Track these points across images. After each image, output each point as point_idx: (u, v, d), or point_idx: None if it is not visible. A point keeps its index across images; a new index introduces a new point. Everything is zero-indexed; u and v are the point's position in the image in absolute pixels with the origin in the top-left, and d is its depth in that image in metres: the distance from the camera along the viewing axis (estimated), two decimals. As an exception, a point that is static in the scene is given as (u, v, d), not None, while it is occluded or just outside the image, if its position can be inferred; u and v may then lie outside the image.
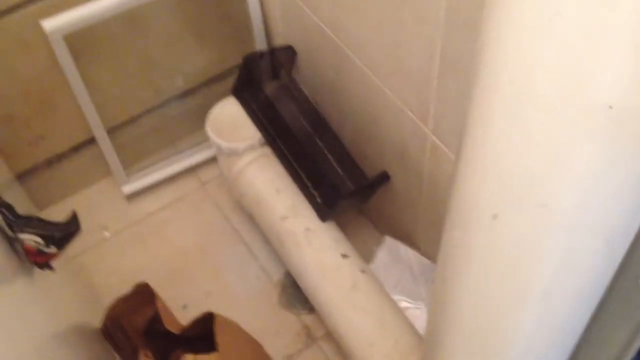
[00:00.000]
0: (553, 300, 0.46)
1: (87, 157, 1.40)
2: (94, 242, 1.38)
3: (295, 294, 1.30)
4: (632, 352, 0.37)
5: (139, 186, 1.43)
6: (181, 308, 1.26)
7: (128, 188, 1.42)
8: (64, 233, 0.69)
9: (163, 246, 1.38)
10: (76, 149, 1.38)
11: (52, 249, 0.69)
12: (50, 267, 0.74)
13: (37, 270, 0.74)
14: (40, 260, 0.70)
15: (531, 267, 0.46)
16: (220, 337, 0.92)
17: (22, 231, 0.66)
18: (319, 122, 1.29)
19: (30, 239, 0.66)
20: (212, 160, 1.47)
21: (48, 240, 0.67)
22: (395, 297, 1.17)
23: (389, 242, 1.26)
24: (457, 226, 0.52)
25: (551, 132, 0.39)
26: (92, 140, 1.36)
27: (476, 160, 0.46)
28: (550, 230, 0.44)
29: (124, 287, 1.09)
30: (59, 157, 1.37)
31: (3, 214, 0.64)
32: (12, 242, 0.69)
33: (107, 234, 1.39)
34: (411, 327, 1.09)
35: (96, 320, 0.99)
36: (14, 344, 0.55)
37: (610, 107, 0.36)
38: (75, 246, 1.17)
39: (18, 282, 0.66)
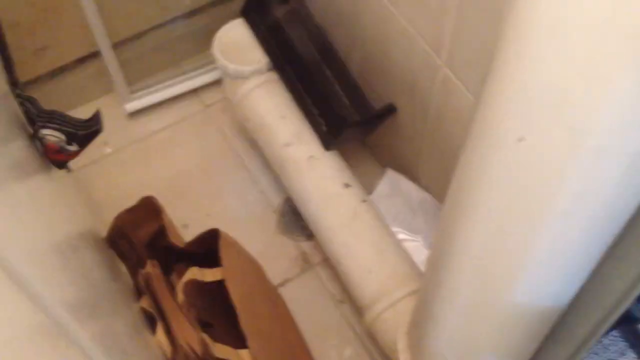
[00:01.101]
0: (569, 226, 0.47)
1: (91, 72, 1.38)
2: (95, 158, 1.38)
3: (294, 220, 1.32)
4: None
5: (142, 105, 1.42)
6: (181, 227, 1.27)
7: (131, 106, 1.41)
8: (86, 131, 0.69)
9: (164, 166, 1.39)
10: (80, 62, 1.36)
11: (73, 147, 0.69)
12: (67, 168, 0.74)
13: (53, 170, 0.73)
14: (60, 159, 0.70)
15: (552, 192, 0.47)
16: (224, 253, 0.94)
17: (45, 126, 0.65)
18: (327, 50, 1.28)
19: (52, 134, 0.66)
20: (216, 83, 1.46)
21: (70, 137, 0.67)
22: (394, 228, 1.19)
23: (391, 174, 1.27)
24: (478, 148, 0.53)
25: (592, 53, 0.39)
26: (96, 55, 1.34)
27: (507, 79, 0.46)
28: (577, 154, 0.44)
29: (125, 203, 1.10)
30: (62, 70, 1.35)
31: (26, 107, 0.64)
32: (33, 139, 0.69)
33: (108, 150, 1.39)
34: (408, 257, 1.11)
35: (101, 230, 1.00)
36: (33, 239, 0.56)
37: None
38: (77, 160, 1.17)
39: (37, 180, 0.66)
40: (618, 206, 0.44)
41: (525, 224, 0.52)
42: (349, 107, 1.23)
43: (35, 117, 0.65)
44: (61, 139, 0.67)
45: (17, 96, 0.64)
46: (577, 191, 0.46)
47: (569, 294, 0.52)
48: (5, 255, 0.44)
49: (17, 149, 0.63)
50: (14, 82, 0.64)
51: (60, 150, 0.69)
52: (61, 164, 0.73)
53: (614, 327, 0.58)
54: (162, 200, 1.14)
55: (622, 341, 0.58)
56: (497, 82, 0.48)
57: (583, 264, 0.49)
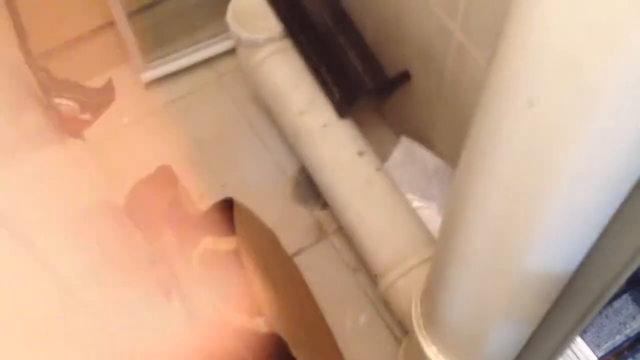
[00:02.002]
0: (583, 188, 0.47)
1: (106, 41, 1.38)
2: (112, 128, 1.39)
3: (308, 189, 1.33)
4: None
5: (157, 74, 1.42)
6: (198, 197, 1.28)
7: (146, 75, 1.41)
8: (99, 99, 0.69)
9: (179, 135, 1.39)
10: (95, 32, 1.36)
11: (87, 116, 0.70)
12: (82, 137, 0.74)
13: (69, 140, 0.74)
14: (74, 128, 0.71)
15: (565, 154, 0.47)
16: (239, 222, 0.95)
17: (59, 95, 0.66)
18: (341, 17, 1.27)
19: (66, 104, 0.66)
20: (230, 52, 1.45)
21: (84, 106, 0.67)
22: (409, 196, 1.19)
23: (405, 142, 1.27)
24: (491, 112, 0.52)
25: (603, 10, 0.38)
26: (111, 25, 1.34)
27: (518, 40, 0.46)
28: (589, 114, 0.44)
29: (141, 173, 1.11)
30: (78, 40, 1.36)
31: (40, 77, 0.64)
32: (47, 108, 0.69)
33: (125, 120, 1.40)
34: (422, 224, 1.12)
35: (118, 199, 1.01)
36: (49, 210, 0.57)
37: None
38: (94, 130, 1.18)
39: (52, 149, 0.67)
40: (630, 166, 0.44)
41: (539, 186, 0.51)
42: (362, 74, 1.22)
43: (49, 87, 0.66)
44: (75, 108, 0.67)
45: (31, 67, 0.65)
46: (590, 153, 0.46)
47: (580, 256, 0.52)
48: (20, 224, 0.45)
49: (33, 119, 0.64)
50: (27, 53, 0.65)
51: (74, 119, 0.69)
52: (76, 133, 0.73)
53: (624, 290, 0.58)
54: (178, 170, 1.15)
55: (633, 304, 0.58)
56: (508, 43, 0.48)
57: (595, 225, 0.49)
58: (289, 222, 1.30)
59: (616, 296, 0.58)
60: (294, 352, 0.87)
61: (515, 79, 0.47)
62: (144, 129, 1.40)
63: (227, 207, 0.99)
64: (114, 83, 1.43)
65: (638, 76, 0.40)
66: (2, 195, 0.42)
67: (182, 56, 1.43)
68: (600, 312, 0.58)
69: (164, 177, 1.02)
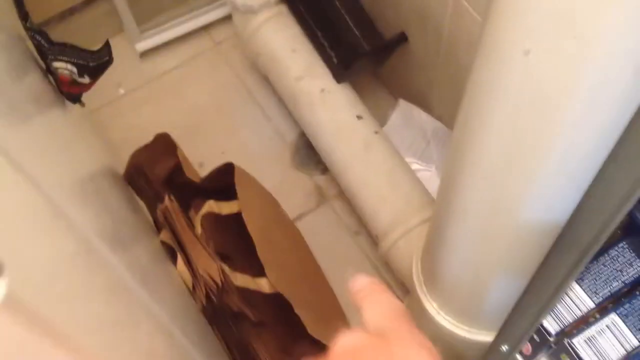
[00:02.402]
0: (578, 136, 0.47)
1: (100, 12, 1.38)
2: (109, 99, 1.39)
3: (308, 154, 1.33)
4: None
5: (152, 44, 1.42)
6: (197, 166, 1.29)
7: (141, 45, 1.41)
8: (97, 62, 0.69)
9: (177, 104, 1.40)
10: (89, 2, 1.36)
11: (85, 79, 0.70)
12: (81, 102, 0.75)
13: (68, 106, 0.75)
14: (73, 91, 0.71)
15: (562, 100, 0.47)
16: (240, 187, 0.95)
17: (56, 59, 0.66)
18: (336, -20, 1.26)
19: (64, 67, 0.67)
20: (226, 19, 1.45)
21: (82, 69, 0.68)
22: (407, 159, 1.20)
23: (403, 105, 1.27)
24: (485, 65, 0.53)
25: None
26: (105, -6, 1.33)
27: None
28: (583, 62, 0.44)
29: (140, 143, 1.12)
30: (72, 11, 1.35)
31: (37, 41, 0.64)
32: (46, 73, 0.69)
33: (122, 90, 1.40)
34: (422, 186, 1.12)
35: (118, 168, 1.02)
36: (61, 170, 0.57)
37: None
38: (91, 101, 1.18)
39: (54, 113, 0.67)
40: (624, 112, 0.45)
41: (536, 137, 0.52)
42: (359, 37, 1.22)
43: (47, 51, 0.66)
44: (73, 71, 0.68)
45: (28, 30, 0.65)
46: (586, 101, 0.46)
47: (574, 204, 0.53)
48: (41, 182, 0.45)
49: (33, 83, 0.64)
50: (24, 17, 0.65)
51: (73, 83, 0.69)
52: (75, 98, 0.74)
53: (621, 238, 0.59)
54: (177, 139, 1.15)
55: (630, 252, 0.59)
56: (502, -6, 0.48)
57: (590, 171, 0.49)
58: (290, 188, 1.31)
59: (613, 244, 0.59)
60: (298, 311, 0.89)
61: (509, 28, 0.48)
62: (141, 99, 1.40)
63: (228, 172, 1.00)
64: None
65: (630, 23, 0.40)
66: (19, 154, 0.43)
67: (177, 24, 1.42)
68: (597, 260, 0.59)
69: (163, 144, 1.03)
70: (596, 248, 0.48)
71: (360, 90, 1.22)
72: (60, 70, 0.67)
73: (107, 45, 0.71)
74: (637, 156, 0.43)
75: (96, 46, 1.43)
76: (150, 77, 1.42)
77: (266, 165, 1.33)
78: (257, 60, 1.31)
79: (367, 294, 0.40)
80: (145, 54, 1.43)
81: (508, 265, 0.68)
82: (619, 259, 0.59)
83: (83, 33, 1.40)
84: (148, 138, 1.14)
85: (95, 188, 0.68)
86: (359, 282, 0.41)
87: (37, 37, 0.64)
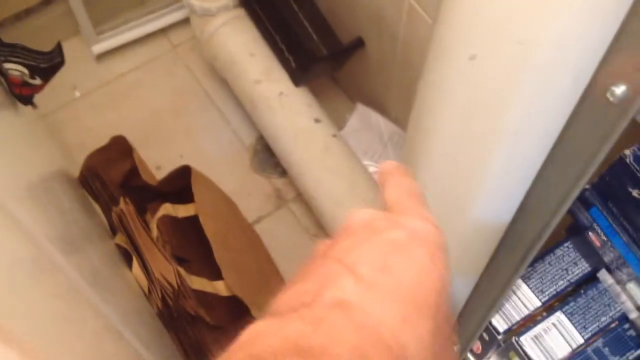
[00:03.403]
0: (523, 135, 0.49)
1: (56, 13, 1.36)
2: (64, 101, 1.37)
3: (266, 158, 1.33)
4: (593, 167, 0.41)
5: (109, 46, 1.40)
6: (155, 169, 1.28)
7: (98, 47, 1.39)
8: (49, 63, 0.69)
9: (135, 107, 1.38)
10: (45, 3, 1.34)
11: (37, 81, 0.69)
12: (33, 104, 0.74)
13: (20, 108, 0.73)
14: (24, 93, 0.70)
15: (506, 105, 0.49)
16: (197, 189, 0.95)
17: (7, 60, 0.65)
18: (295, -15, 1.27)
19: (15, 68, 0.66)
20: (184, 21, 1.44)
21: (33, 70, 0.67)
22: (365, 162, 1.21)
23: (361, 108, 1.28)
24: (435, 69, 0.54)
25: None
26: (60, -5, 1.32)
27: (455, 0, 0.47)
28: (527, 68, 0.46)
29: (96, 146, 1.11)
30: (28, 12, 1.33)
31: (-13, 42, 0.63)
32: (-4, 76, 0.68)
33: (77, 93, 1.38)
34: (379, 189, 1.14)
35: (73, 172, 1.00)
36: (8, 174, 0.56)
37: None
38: (46, 104, 1.16)
39: (5, 116, 0.66)
40: (562, 117, 0.46)
41: (481, 139, 0.53)
42: (317, 42, 1.23)
43: (-3, 52, 0.65)
44: (24, 72, 0.67)
45: (-23, 32, 0.64)
46: (527, 106, 0.48)
47: (517, 204, 0.54)
48: None
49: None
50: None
51: (24, 84, 0.68)
52: (26, 100, 0.73)
53: (566, 238, 0.61)
54: (134, 142, 1.15)
55: (575, 251, 0.61)
56: (448, 1, 0.49)
57: (531, 172, 0.51)
58: (249, 191, 1.31)
59: (558, 244, 0.61)
60: (255, 314, 0.89)
61: (456, 33, 0.49)
62: (97, 102, 1.38)
63: (185, 174, 0.99)
64: (65, 56, 1.42)
65: (568, 27, 0.42)
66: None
67: (134, 27, 1.41)
68: (542, 259, 0.61)
69: (119, 146, 1.02)
70: (538, 246, 0.50)
71: (318, 94, 1.23)
72: (11, 72, 0.66)
73: (58, 46, 0.70)
74: (573, 159, 0.44)
75: (51, 48, 1.42)
76: (107, 80, 1.41)
77: (225, 169, 1.32)
78: (215, 63, 1.31)
79: (390, 175, 0.44)
80: (101, 56, 1.42)
81: (456, 264, 0.70)
82: (564, 259, 0.61)
83: (39, 34, 1.38)
84: (104, 141, 1.13)
85: (47, 191, 0.67)
86: (387, 165, 0.46)
87: (-13, 37, 0.63)
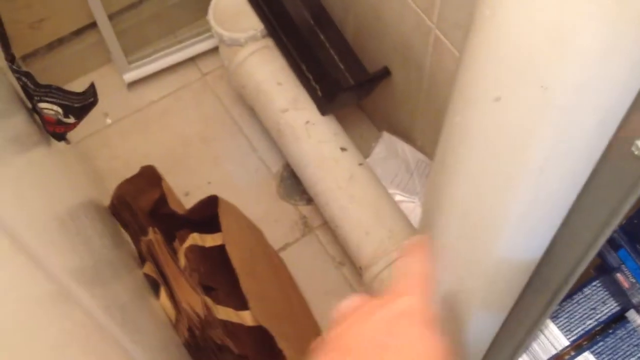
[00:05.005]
0: (548, 176, 0.49)
1: (89, 43, 1.39)
2: (96, 128, 1.40)
3: (293, 185, 1.34)
4: (619, 219, 0.41)
5: (140, 74, 1.43)
6: (183, 195, 1.30)
7: (129, 76, 1.42)
8: (82, 103, 0.71)
9: (164, 135, 1.41)
10: (77, 33, 1.37)
11: (71, 119, 0.71)
12: (66, 140, 0.76)
13: (54, 142, 0.76)
14: (58, 131, 0.72)
15: (529, 147, 0.49)
16: (224, 219, 0.96)
17: (42, 100, 0.67)
18: (321, 15, 1.29)
19: (49, 108, 0.68)
20: (213, 50, 1.46)
21: (67, 110, 0.69)
22: (391, 190, 1.21)
23: (387, 137, 1.29)
24: (460, 109, 0.54)
25: (554, 13, 0.41)
26: (93, 25, 1.35)
27: (481, 42, 0.48)
28: (550, 110, 0.46)
29: (127, 173, 1.13)
30: (60, 42, 1.36)
31: (23, 82, 0.65)
32: (31, 113, 0.71)
33: (108, 120, 1.41)
34: (405, 218, 1.14)
35: (104, 200, 1.02)
36: (36, 210, 0.58)
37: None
38: (78, 132, 1.18)
39: (38, 151, 0.68)
40: (589, 160, 0.46)
41: (505, 180, 0.53)
42: (343, 71, 1.24)
43: (32, 92, 0.67)
44: (58, 112, 0.69)
45: (15, 72, 0.66)
46: (552, 145, 0.48)
47: (546, 242, 0.54)
48: (11, 224, 0.46)
49: (17, 122, 0.65)
50: (11, 59, 0.66)
51: (58, 123, 0.70)
52: (60, 136, 0.75)
53: (594, 277, 0.61)
54: (163, 169, 1.16)
55: (603, 290, 0.60)
56: (474, 43, 0.50)
57: (558, 214, 0.51)
58: (275, 218, 1.31)
59: (586, 282, 0.60)
60: (280, 344, 0.89)
61: (480, 76, 0.49)
62: (127, 129, 1.41)
63: (212, 204, 1.01)
64: (96, 84, 1.45)
65: (589, 72, 0.42)
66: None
67: (164, 56, 1.44)
68: (571, 298, 0.60)
69: (148, 176, 1.04)
70: (565, 291, 0.49)
71: (344, 123, 1.24)
72: (45, 111, 0.68)
73: (92, 86, 0.72)
74: (599, 208, 0.44)
75: (84, 76, 1.45)
76: (138, 107, 1.44)
77: (252, 195, 1.34)
78: (243, 92, 1.33)
79: (408, 252, 0.47)
80: (132, 85, 1.44)
81: (485, 300, 0.69)
82: (592, 297, 0.60)
83: (71, 63, 1.42)
84: (134, 168, 1.15)
85: (76, 224, 0.68)
86: (410, 241, 0.50)
87: (23, 78, 0.65)
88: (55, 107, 0.68)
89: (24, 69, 1.29)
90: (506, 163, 0.52)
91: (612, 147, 0.41)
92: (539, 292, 0.54)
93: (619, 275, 0.54)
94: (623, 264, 0.53)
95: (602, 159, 0.42)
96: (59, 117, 0.69)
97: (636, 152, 0.38)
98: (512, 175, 0.52)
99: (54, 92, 0.67)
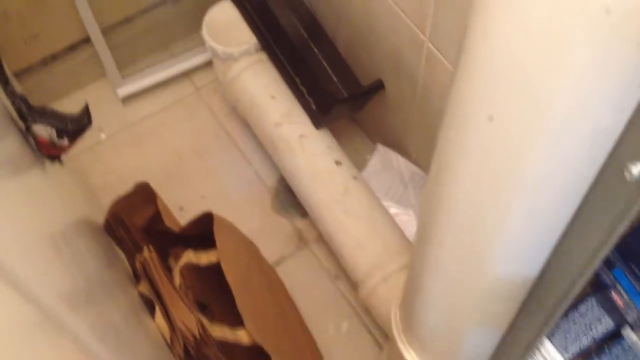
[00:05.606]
0: (542, 194, 0.49)
1: (82, 58, 1.39)
2: (90, 144, 1.39)
3: (288, 198, 1.34)
4: (612, 242, 0.41)
5: (134, 89, 1.43)
6: (177, 210, 1.29)
7: (123, 90, 1.42)
8: (76, 125, 0.70)
9: (158, 149, 1.40)
10: (71, 49, 1.37)
11: (64, 141, 0.71)
12: (60, 160, 0.76)
13: (47, 163, 0.75)
14: (52, 153, 0.72)
15: (523, 166, 0.49)
16: (219, 236, 0.96)
17: (36, 122, 0.67)
18: (314, 28, 1.29)
19: (43, 130, 0.68)
20: (207, 64, 1.47)
21: (61, 132, 0.69)
22: (386, 203, 1.21)
23: (381, 149, 1.29)
24: (454, 127, 0.54)
25: (547, 34, 0.41)
26: (87, 40, 1.35)
27: (474, 61, 0.48)
28: (543, 130, 0.46)
29: (121, 188, 1.12)
30: (54, 57, 1.36)
31: (17, 105, 0.65)
32: (25, 135, 0.70)
33: (103, 135, 1.41)
34: (400, 231, 1.13)
35: (98, 217, 1.02)
36: (31, 231, 0.58)
37: (607, 10, 0.37)
38: (72, 148, 1.17)
39: (32, 173, 0.68)
40: (583, 179, 0.46)
41: (500, 196, 0.53)
42: (337, 84, 1.24)
43: (27, 114, 0.67)
44: (52, 134, 0.69)
45: (9, 95, 0.66)
46: (545, 163, 0.48)
47: (541, 262, 0.54)
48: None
49: (10, 144, 0.65)
50: (4, 81, 0.66)
51: (52, 145, 0.70)
52: (54, 158, 0.75)
53: (589, 295, 0.61)
54: (157, 183, 1.16)
55: (599, 308, 0.60)
56: (467, 62, 0.50)
57: (554, 231, 0.51)
58: (270, 232, 1.31)
59: (582, 300, 0.60)
60: (276, 362, 0.89)
61: (474, 96, 0.49)
62: (121, 144, 1.41)
63: (207, 221, 1.00)
64: (90, 98, 1.45)
65: (582, 92, 0.42)
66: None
67: (158, 70, 1.44)
68: (566, 316, 0.60)
69: (143, 193, 1.03)
70: (562, 310, 0.49)
71: (338, 135, 1.24)
72: (39, 133, 0.68)
73: (86, 108, 0.72)
74: (592, 230, 0.44)
75: (78, 90, 1.45)
76: (132, 122, 1.43)
77: (246, 209, 1.33)
78: (237, 105, 1.33)
79: None
80: (127, 99, 1.44)
81: (481, 317, 0.69)
82: (588, 315, 0.60)
83: (65, 78, 1.42)
84: (129, 182, 1.14)
85: (69, 245, 0.68)
86: None
87: (18, 101, 0.65)
88: (49, 129, 0.67)
89: (18, 84, 1.30)
90: (500, 181, 0.52)
91: (605, 170, 0.41)
92: (535, 313, 0.54)
93: (613, 294, 0.54)
94: (617, 282, 0.53)
95: (595, 183, 0.41)
96: (53, 139, 0.69)
97: (628, 177, 0.38)
98: (506, 194, 0.52)
99: (48, 115, 0.67)
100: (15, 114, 0.68)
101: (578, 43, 0.38)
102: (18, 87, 1.27)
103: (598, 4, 0.36)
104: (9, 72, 0.69)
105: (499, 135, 0.50)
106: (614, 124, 0.44)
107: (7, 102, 0.67)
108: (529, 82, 0.44)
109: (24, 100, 0.65)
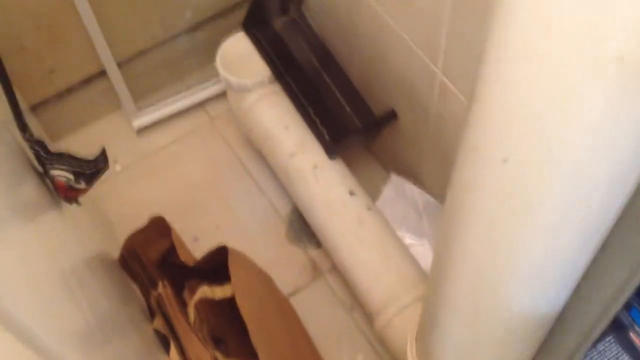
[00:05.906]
0: (555, 240, 0.48)
1: (98, 91, 1.41)
2: (105, 175, 1.39)
3: (302, 228, 1.34)
4: (629, 292, 0.40)
5: (149, 120, 1.44)
6: (192, 240, 1.30)
7: (138, 122, 1.44)
8: (93, 169, 0.71)
9: (173, 180, 1.41)
10: (87, 82, 1.39)
11: (82, 185, 0.72)
12: (77, 202, 0.77)
13: (64, 204, 0.76)
14: (69, 195, 0.73)
15: (538, 210, 0.49)
16: (233, 270, 0.96)
17: (54, 167, 0.68)
18: (327, 59, 1.30)
19: (61, 174, 0.69)
20: (221, 95, 1.48)
21: (78, 176, 0.70)
22: (400, 233, 1.21)
23: (395, 179, 1.29)
24: (468, 167, 0.54)
25: (561, 81, 0.41)
26: (102, 74, 1.37)
27: (489, 106, 0.48)
28: (557, 175, 0.46)
29: (136, 219, 1.13)
30: (70, 90, 1.38)
31: (35, 150, 0.66)
32: (43, 178, 0.72)
33: (118, 167, 1.42)
34: (415, 262, 1.13)
35: (113, 251, 1.02)
36: (47, 272, 0.58)
37: (621, 58, 0.37)
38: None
39: (48, 215, 0.69)
40: (602, 221, 0.46)
41: (515, 237, 0.53)
42: (350, 114, 1.25)
43: (44, 159, 0.68)
44: (69, 178, 0.70)
45: (27, 140, 0.67)
46: (559, 204, 0.48)
47: (561, 300, 0.53)
48: (4, 303, 0.45)
49: (29, 190, 0.66)
50: (23, 128, 0.67)
51: (70, 188, 0.71)
52: (71, 200, 0.76)
53: (608, 333, 0.60)
54: (172, 214, 1.16)
55: (616, 346, 0.59)
56: (479, 103, 0.50)
57: (571, 273, 0.50)
58: (284, 262, 1.31)
59: (600, 339, 0.59)
60: (291, 397, 0.88)
61: (488, 140, 0.49)
62: (136, 175, 1.42)
63: (222, 254, 1.00)
64: (106, 130, 1.46)
65: (596, 135, 0.42)
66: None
67: (173, 101, 1.45)
68: (585, 356, 0.59)
69: (158, 226, 1.04)
70: (588, 345, 0.49)
71: (352, 164, 1.24)
72: (57, 177, 0.69)
73: (103, 152, 0.73)
74: (616, 266, 0.44)
75: (94, 122, 1.47)
76: (147, 153, 1.45)
77: (260, 239, 1.33)
78: (250, 136, 1.33)
79: None
80: (142, 130, 1.46)
81: (499, 355, 0.69)
82: (606, 354, 0.59)
83: (81, 111, 1.44)
84: (144, 214, 1.15)
85: (82, 285, 0.68)
86: None
87: (36, 147, 0.67)
88: (66, 174, 0.68)
89: (34, 117, 1.31)
90: (514, 222, 0.52)
91: (623, 219, 0.40)
92: (554, 353, 0.53)
93: (631, 334, 0.53)
94: (635, 323, 0.52)
95: (611, 233, 0.41)
96: (71, 183, 0.70)
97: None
98: (520, 234, 0.52)
99: (66, 160, 0.68)
100: (33, 158, 0.69)
101: (591, 91, 0.38)
102: (34, 121, 1.30)
103: (612, 53, 0.36)
104: (25, 112, 0.70)
105: (515, 177, 0.50)
106: (629, 166, 0.44)
107: (26, 147, 0.69)
108: (542, 126, 0.44)
109: (41, 145, 0.66)
